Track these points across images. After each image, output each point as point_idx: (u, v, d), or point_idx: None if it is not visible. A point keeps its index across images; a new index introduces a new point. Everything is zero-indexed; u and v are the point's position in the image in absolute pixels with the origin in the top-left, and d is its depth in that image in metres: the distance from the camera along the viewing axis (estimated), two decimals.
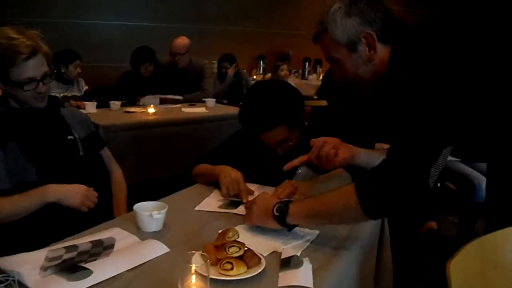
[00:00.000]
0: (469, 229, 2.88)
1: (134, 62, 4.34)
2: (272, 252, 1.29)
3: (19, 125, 1.69)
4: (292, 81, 5.96)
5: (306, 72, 7.29)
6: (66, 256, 1.11)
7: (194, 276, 1.02)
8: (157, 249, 1.28)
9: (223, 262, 1.14)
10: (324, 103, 4.18)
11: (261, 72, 6.90)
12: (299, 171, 1.83)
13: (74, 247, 1.14)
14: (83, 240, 1.23)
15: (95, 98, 3.87)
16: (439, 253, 2.79)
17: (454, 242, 2.99)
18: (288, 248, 1.31)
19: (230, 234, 1.23)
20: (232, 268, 1.12)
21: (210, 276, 1.04)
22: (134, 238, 1.36)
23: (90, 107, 3.53)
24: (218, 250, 1.19)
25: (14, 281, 1.05)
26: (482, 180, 2.76)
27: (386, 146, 1.65)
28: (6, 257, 1.15)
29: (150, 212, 1.41)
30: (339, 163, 1.58)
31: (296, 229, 1.45)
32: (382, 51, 1.33)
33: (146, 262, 1.22)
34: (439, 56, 1.24)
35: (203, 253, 1.17)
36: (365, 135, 1.77)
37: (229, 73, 5.39)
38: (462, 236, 2.90)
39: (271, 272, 1.17)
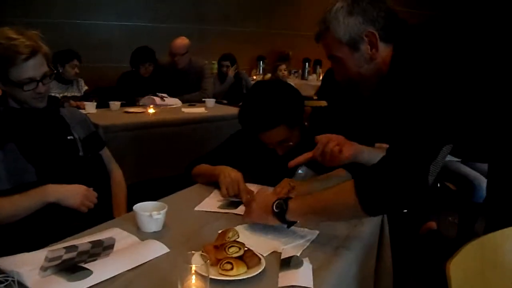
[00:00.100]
0: (469, 229, 2.88)
1: (133, 62, 4.34)
2: (272, 252, 1.29)
3: (18, 125, 1.69)
4: (292, 81, 5.96)
5: (306, 73, 7.29)
6: (66, 257, 1.11)
7: (194, 276, 1.02)
8: (157, 249, 1.28)
9: (223, 262, 1.14)
10: (323, 103, 4.18)
11: (260, 72, 6.90)
12: (299, 171, 1.83)
13: (74, 247, 1.13)
14: (83, 241, 1.23)
15: (95, 98, 3.87)
16: (439, 253, 2.79)
17: (454, 242, 2.99)
18: (288, 248, 1.31)
19: (230, 234, 1.23)
20: (232, 268, 1.12)
21: (210, 276, 1.04)
22: (134, 238, 1.36)
23: (90, 107, 3.53)
24: (218, 250, 1.19)
25: (14, 281, 1.05)
26: (482, 181, 2.76)
27: (386, 146, 1.65)
28: (6, 257, 1.15)
29: (150, 213, 1.41)
30: (343, 160, 1.58)
31: (296, 229, 1.45)
32: (384, 50, 1.33)
33: (146, 262, 1.22)
34: (441, 55, 1.25)
35: (203, 253, 1.17)
36: (365, 135, 1.77)
37: (229, 74, 5.38)
38: (462, 236, 2.90)
39: (271, 272, 1.17)
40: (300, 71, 7.35)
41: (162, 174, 3.26)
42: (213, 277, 1.08)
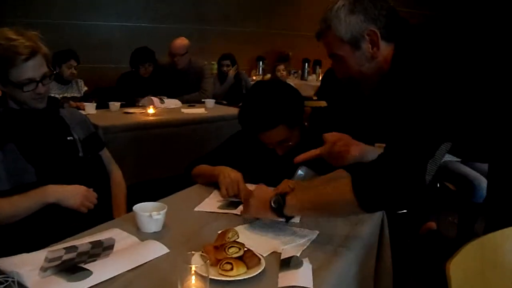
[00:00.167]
0: (468, 229, 2.88)
1: (133, 63, 4.34)
2: (272, 252, 1.29)
3: (18, 126, 1.69)
4: (292, 81, 5.96)
5: (306, 73, 7.28)
6: (65, 257, 1.11)
7: (193, 277, 1.02)
8: (157, 249, 1.28)
9: (223, 263, 1.14)
10: (323, 103, 4.18)
11: (260, 73, 6.90)
12: (299, 171, 1.83)
13: (74, 248, 1.14)
14: (83, 241, 1.23)
15: (95, 99, 3.87)
16: (438, 253, 2.79)
17: (453, 242, 3.00)
18: (288, 248, 1.31)
19: (230, 234, 1.23)
20: (232, 269, 1.12)
21: (210, 277, 1.04)
22: (134, 238, 1.36)
23: (90, 108, 3.53)
24: (218, 250, 1.19)
25: (13, 282, 1.05)
26: (482, 181, 2.76)
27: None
28: (5, 258, 1.15)
29: (150, 213, 1.41)
30: (350, 160, 1.58)
31: (296, 229, 1.45)
32: (385, 48, 1.33)
33: (146, 262, 1.22)
34: (442, 54, 1.25)
35: (202, 253, 1.17)
36: (365, 135, 1.77)
37: (229, 75, 5.36)
38: (461, 236, 2.90)
39: (271, 273, 1.17)
40: (299, 71, 7.34)
41: (161, 174, 3.26)
42: (213, 277, 1.08)
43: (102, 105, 3.71)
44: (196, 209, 1.65)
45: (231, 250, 1.17)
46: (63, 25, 5.21)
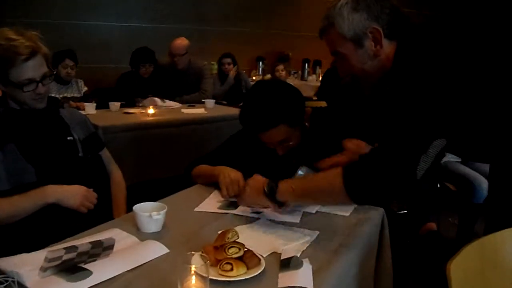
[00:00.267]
0: (468, 230, 2.88)
1: (134, 63, 4.33)
2: (272, 252, 1.29)
3: (18, 126, 1.69)
4: (291, 82, 5.96)
5: (306, 73, 7.29)
6: (65, 257, 1.11)
7: (193, 277, 1.02)
8: (157, 249, 1.28)
9: (223, 263, 1.14)
10: (323, 104, 4.18)
11: (260, 73, 6.90)
12: (300, 172, 1.83)
13: (74, 248, 1.14)
14: (83, 241, 1.23)
15: (94, 99, 3.87)
16: (438, 254, 2.79)
17: (453, 243, 2.99)
18: (288, 248, 1.31)
19: (230, 235, 1.22)
20: (231, 269, 1.12)
21: (210, 277, 1.04)
22: (134, 238, 1.36)
23: (90, 108, 3.53)
24: (218, 251, 1.19)
25: (13, 281, 1.05)
26: (482, 181, 2.76)
27: None
28: (5, 258, 1.15)
29: (150, 213, 1.41)
30: None
31: (296, 229, 1.46)
32: (387, 46, 1.34)
33: (146, 263, 1.22)
34: (444, 53, 1.25)
35: (202, 254, 1.17)
36: (365, 136, 1.77)
37: (230, 74, 5.35)
38: (461, 237, 2.90)
39: (271, 273, 1.17)
40: (299, 71, 7.34)
41: (161, 174, 3.26)
42: (212, 277, 1.07)
43: (102, 105, 3.72)
44: (196, 209, 1.65)
45: (231, 250, 1.17)
46: (63, 25, 5.21)
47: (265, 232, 1.45)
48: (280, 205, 1.46)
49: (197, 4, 6.33)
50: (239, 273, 1.12)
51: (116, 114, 3.61)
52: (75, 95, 4.03)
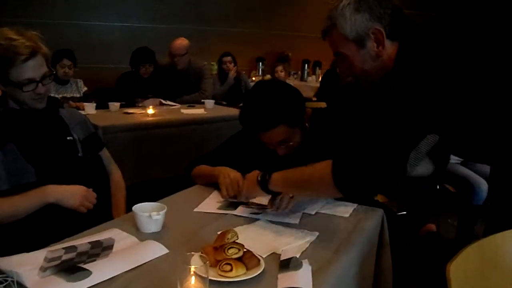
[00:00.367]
0: (468, 231, 2.88)
1: (134, 63, 4.33)
2: (271, 253, 1.29)
3: (18, 126, 1.69)
4: (291, 82, 5.95)
5: (305, 74, 7.29)
6: (65, 257, 1.11)
7: (193, 278, 1.02)
8: (156, 250, 1.28)
9: (222, 264, 1.14)
10: (323, 104, 4.18)
11: (260, 73, 6.90)
12: None
13: (73, 248, 1.13)
14: (82, 241, 1.23)
15: (94, 99, 3.87)
16: (438, 255, 2.79)
17: (453, 244, 2.99)
18: (288, 249, 1.31)
19: (229, 235, 1.22)
20: (231, 270, 1.12)
21: (209, 278, 1.04)
22: (133, 239, 1.36)
23: (89, 108, 3.53)
24: (217, 251, 1.19)
25: (13, 281, 1.05)
26: (482, 183, 2.76)
27: None
28: (5, 258, 1.15)
29: (149, 213, 1.41)
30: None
31: (296, 230, 1.46)
32: (389, 47, 1.34)
33: (145, 263, 1.21)
34: (445, 53, 1.26)
35: (202, 254, 1.17)
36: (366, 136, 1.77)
37: (230, 76, 5.34)
38: (461, 238, 2.90)
39: (270, 274, 1.17)
40: (299, 72, 7.35)
41: (161, 175, 3.26)
42: (212, 278, 1.07)
43: (101, 105, 3.71)
44: (195, 209, 1.65)
45: (231, 251, 1.17)
46: (63, 25, 5.21)
47: (265, 232, 1.45)
48: (273, 195, 1.50)
49: (197, 4, 6.33)
50: (238, 274, 1.12)
51: (116, 114, 3.60)
52: (75, 95, 4.03)
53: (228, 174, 1.76)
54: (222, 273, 1.12)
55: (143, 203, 1.48)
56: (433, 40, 1.31)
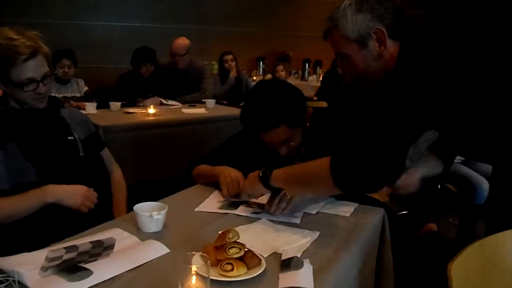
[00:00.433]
0: (469, 231, 2.88)
1: (135, 62, 4.33)
2: (272, 253, 1.29)
3: (19, 126, 1.69)
4: (292, 82, 5.94)
5: (306, 73, 7.29)
6: (66, 257, 1.11)
7: (194, 277, 1.02)
8: (157, 249, 1.28)
9: (223, 263, 1.14)
10: (324, 104, 4.18)
11: (261, 73, 6.89)
12: None
13: (74, 247, 1.13)
14: (83, 241, 1.23)
15: (95, 99, 3.86)
16: (439, 254, 2.79)
17: (454, 244, 2.99)
18: (289, 249, 1.30)
19: (230, 235, 1.22)
20: (232, 269, 1.12)
21: (210, 277, 1.04)
22: (134, 238, 1.36)
23: (90, 108, 3.53)
24: (218, 251, 1.19)
25: (14, 281, 1.05)
26: (483, 182, 2.76)
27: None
28: (6, 257, 1.15)
29: (150, 213, 1.41)
30: (417, 184, 1.57)
31: (297, 230, 1.46)
32: (391, 46, 1.34)
33: (146, 262, 1.21)
34: (447, 53, 1.26)
35: (203, 254, 1.17)
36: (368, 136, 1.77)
37: (230, 75, 5.33)
38: (462, 238, 2.90)
39: (271, 273, 1.17)
40: (300, 72, 7.34)
41: (162, 174, 3.27)
42: (213, 277, 1.07)
43: (102, 105, 3.71)
44: (196, 209, 1.65)
45: (232, 250, 1.17)
46: (63, 25, 5.21)
47: (266, 232, 1.44)
48: (274, 191, 1.51)
49: (197, 4, 6.33)
50: (239, 273, 1.12)
51: (116, 114, 3.61)
52: (76, 94, 4.03)
53: (228, 174, 1.76)
54: (223, 273, 1.12)
55: (144, 203, 1.48)
56: (434, 39, 1.31)
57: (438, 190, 2.88)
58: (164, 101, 4.08)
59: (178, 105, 4.14)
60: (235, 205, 1.68)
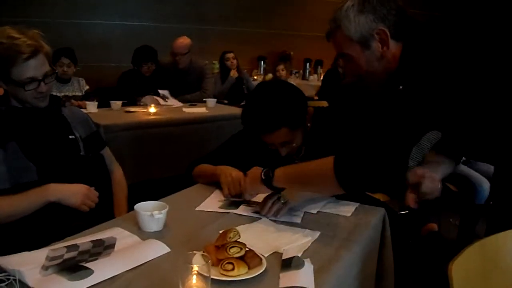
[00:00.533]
0: (469, 231, 2.88)
1: (136, 61, 4.33)
2: (273, 252, 1.29)
3: (20, 125, 1.69)
4: (293, 81, 5.94)
5: (307, 73, 7.29)
6: (67, 256, 1.11)
7: (195, 277, 1.02)
8: (158, 249, 1.28)
9: (224, 263, 1.14)
10: (325, 103, 4.18)
11: (261, 72, 6.89)
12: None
13: (75, 246, 1.13)
14: (84, 240, 1.23)
15: (96, 98, 3.86)
16: (439, 254, 2.79)
17: (454, 244, 2.99)
18: (289, 248, 1.30)
19: (231, 234, 1.22)
20: (233, 269, 1.12)
21: (211, 277, 1.04)
22: (135, 238, 1.36)
23: (91, 107, 3.52)
24: (219, 250, 1.19)
25: (15, 280, 1.05)
26: (484, 182, 2.75)
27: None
28: (7, 256, 1.15)
29: (151, 212, 1.41)
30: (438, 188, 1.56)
31: (298, 229, 1.46)
32: (394, 47, 1.34)
33: (147, 262, 1.22)
34: (449, 53, 1.26)
35: (204, 253, 1.16)
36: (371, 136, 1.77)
37: (231, 75, 5.33)
38: (462, 238, 2.90)
39: (272, 273, 1.17)
40: (301, 71, 7.34)
41: (163, 174, 3.26)
42: (214, 277, 1.07)
43: (103, 104, 3.71)
44: (197, 208, 1.65)
45: (233, 250, 1.17)
46: (63, 24, 5.21)
47: (267, 232, 1.44)
48: (277, 191, 1.51)
49: (197, 4, 6.32)
50: (240, 273, 1.12)
51: (117, 113, 3.60)
52: (77, 93, 4.02)
53: (229, 173, 1.76)
54: (224, 272, 1.12)
55: (144, 202, 1.48)
56: (437, 39, 1.31)
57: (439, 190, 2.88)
58: (161, 101, 4.03)
59: (178, 104, 4.13)
60: (236, 205, 1.68)
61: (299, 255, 1.24)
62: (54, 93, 3.49)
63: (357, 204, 1.69)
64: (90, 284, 1.08)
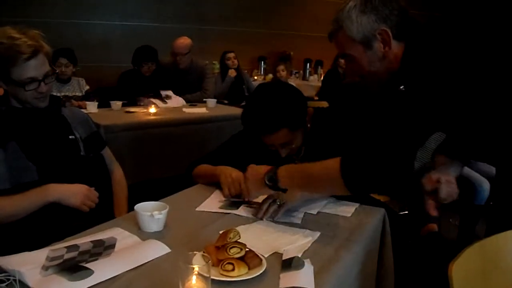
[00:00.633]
0: (469, 231, 2.88)
1: (136, 61, 4.32)
2: (273, 253, 1.29)
3: (20, 125, 1.69)
4: (293, 82, 5.95)
5: (307, 73, 7.29)
6: (67, 256, 1.11)
7: (195, 277, 1.02)
8: (158, 249, 1.28)
9: (224, 263, 1.14)
10: (325, 104, 4.17)
11: (262, 73, 6.89)
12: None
13: (75, 247, 1.13)
14: (84, 240, 1.23)
15: (96, 98, 3.86)
16: (439, 255, 2.79)
17: (454, 244, 2.99)
18: (289, 249, 1.30)
19: (231, 235, 1.22)
20: (233, 269, 1.12)
21: (211, 277, 1.04)
22: (135, 238, 1.36)
23: (91, 107, 3.52)
24: (219, 251, 1.19)
25: (15, 280, 1.05)
26: (484, 182, 2.75)
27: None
28: (7, 257, 1.15)
29: (151, 212, 1.41)
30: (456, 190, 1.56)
31: (298, 229, 1.46)
32: (396, 47, 1.35)
33: (147, 262, 1.21)
34: (451, 53, 1.26)
35: (204, 253, 1.16)
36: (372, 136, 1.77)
37: (229, 74, 5.32)
38: (462, 238, 2.90)
39: (272, 273, 1.17)
40: (301, 71, 7.34)
41: (163, 174, 3.26)
42: (214, 277, 1.07)
43: (103, 104, 3.71)
44: (197, 209, 1.65)
45: (233, 250, 1.17)
46: (63, 24, 5.21)
47: (267, 232, 1.44)
48: (283, 191, 1.51)
49: (197, 4, 6.32)
50: (240, 273, 1.12)
51: (117, 113, 3.60)
52: (77, 93, 4.03)
53: (229, 174, 1.76)
54: (224, 273, 1.12)
55: (145, 202, 1.48)
56: (439, 40, 1.31)
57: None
58: (160, 104, 3.98)
59: (179, 104, 4.12)
60: (236, 205, 1.68)
61: (299, 256, 1.24)
62: (54, 93, 3.50)
63: (357, 205, 1.69)
64: (90, 284, 1.08)
